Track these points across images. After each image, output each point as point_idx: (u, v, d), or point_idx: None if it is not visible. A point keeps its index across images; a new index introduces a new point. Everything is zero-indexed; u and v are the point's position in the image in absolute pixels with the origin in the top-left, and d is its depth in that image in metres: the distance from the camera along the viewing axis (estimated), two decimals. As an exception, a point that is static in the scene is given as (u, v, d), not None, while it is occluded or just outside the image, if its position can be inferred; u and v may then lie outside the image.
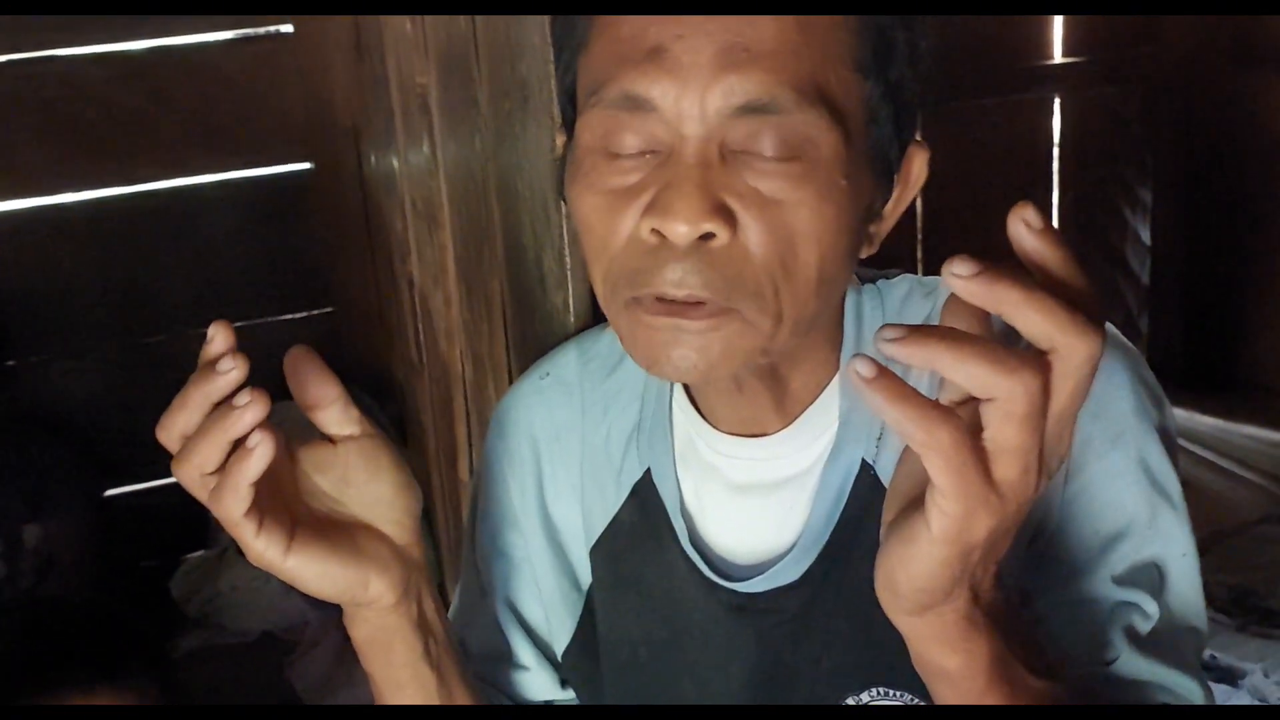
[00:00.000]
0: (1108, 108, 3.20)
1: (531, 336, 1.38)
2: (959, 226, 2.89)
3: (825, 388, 0.93)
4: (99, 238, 2.68)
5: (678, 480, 0.98)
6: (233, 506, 0.75)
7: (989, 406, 0.60)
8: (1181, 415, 2.86)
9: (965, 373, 0.59)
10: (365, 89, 2.46)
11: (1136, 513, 0.85)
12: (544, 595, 1.06)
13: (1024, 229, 0.61)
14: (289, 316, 2.80)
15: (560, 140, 0.91)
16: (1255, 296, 3.17)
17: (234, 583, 2.56)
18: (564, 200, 0.87)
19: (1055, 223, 3.12)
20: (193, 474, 0.76)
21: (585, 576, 1.04)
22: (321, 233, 2.80)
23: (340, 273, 2.84)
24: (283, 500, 0.80)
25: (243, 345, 0.75)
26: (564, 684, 1.08)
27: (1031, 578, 0.85)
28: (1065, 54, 3.10)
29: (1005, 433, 0.61)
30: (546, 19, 1.19)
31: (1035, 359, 0.60)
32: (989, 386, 0.60)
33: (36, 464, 2.43)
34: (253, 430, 0.74)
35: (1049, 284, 0.61)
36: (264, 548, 0.78)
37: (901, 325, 0.60)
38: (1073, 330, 0.60)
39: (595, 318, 1.25)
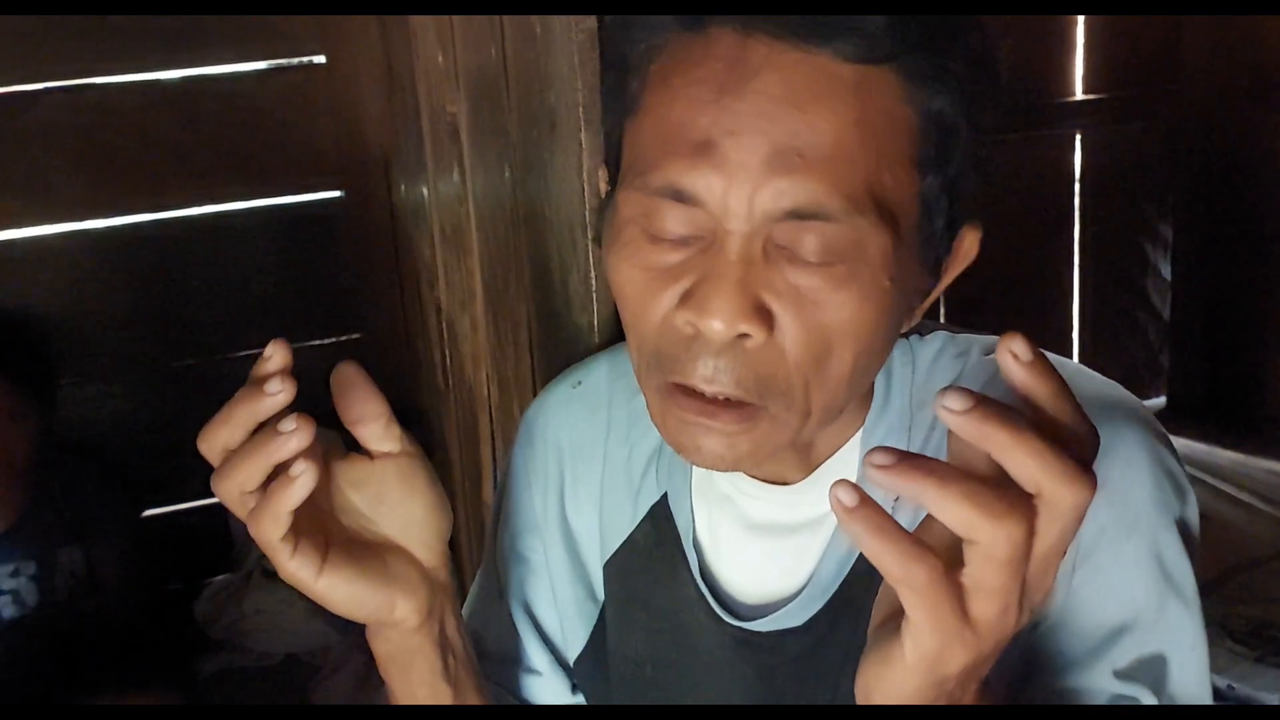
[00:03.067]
0: (1129, 144, 3.21)
1: (557, 361, 1.40)
2: (981, 261, 2.90)
3: (849, 440, 0.92)
4: (132, 264, 2.70)
5: (692, 511, 0.99)
6: (271, 530, 0.76)
7: (971, 547, 0.60)
8: (1201, 449, 2.87)
9: (949, 513, 0.58)
10: (396, 118, 2.49)
11: (1145, 606, 0.82)
12: (560, 602, 1.07)
13: (1011, 361, 0.60)
14: (318, 342, 2.81)
15: (602, 176, 0.89)
16: (1276, 331, 3.16)
17: (258, 606, 2.56)
18: (598, 242, 0.87)
19: (1076, 258, 3.15)
20: (233, 491, 0.76)
21: (601, 588, 1.05)
22: (351, 259, 2.83)
23: (369, 299, 2.86)
24: (318, 519, 0.81)
25: (272, 369, 0.76)
26: (575, 689, 1.09)
27: (1031, 664, 0.83)
28: (1086, 90, 3.12)
29: (985, 574, 0.60)
30: (574, 49, 1.21)
31: (1022, 502, 0.59)
32: (971, 530, 0.59)
33: (73, 488, 2.43)
34: (296, 457, 0.74)
35: (1040, 420, 0.60)
36: (297, 568, 0.79)
37: (892, 451, 0.58)
38: (1060, 478, 0.58)
39: (620, 341, 1.27)
